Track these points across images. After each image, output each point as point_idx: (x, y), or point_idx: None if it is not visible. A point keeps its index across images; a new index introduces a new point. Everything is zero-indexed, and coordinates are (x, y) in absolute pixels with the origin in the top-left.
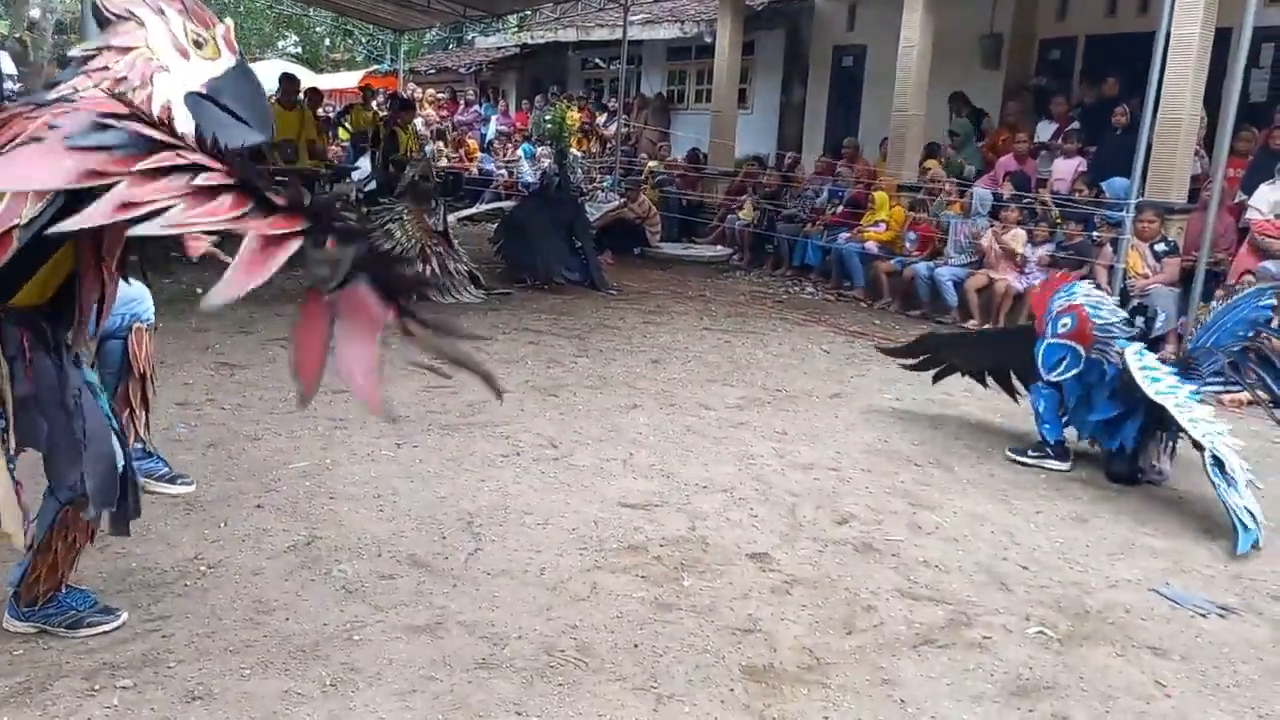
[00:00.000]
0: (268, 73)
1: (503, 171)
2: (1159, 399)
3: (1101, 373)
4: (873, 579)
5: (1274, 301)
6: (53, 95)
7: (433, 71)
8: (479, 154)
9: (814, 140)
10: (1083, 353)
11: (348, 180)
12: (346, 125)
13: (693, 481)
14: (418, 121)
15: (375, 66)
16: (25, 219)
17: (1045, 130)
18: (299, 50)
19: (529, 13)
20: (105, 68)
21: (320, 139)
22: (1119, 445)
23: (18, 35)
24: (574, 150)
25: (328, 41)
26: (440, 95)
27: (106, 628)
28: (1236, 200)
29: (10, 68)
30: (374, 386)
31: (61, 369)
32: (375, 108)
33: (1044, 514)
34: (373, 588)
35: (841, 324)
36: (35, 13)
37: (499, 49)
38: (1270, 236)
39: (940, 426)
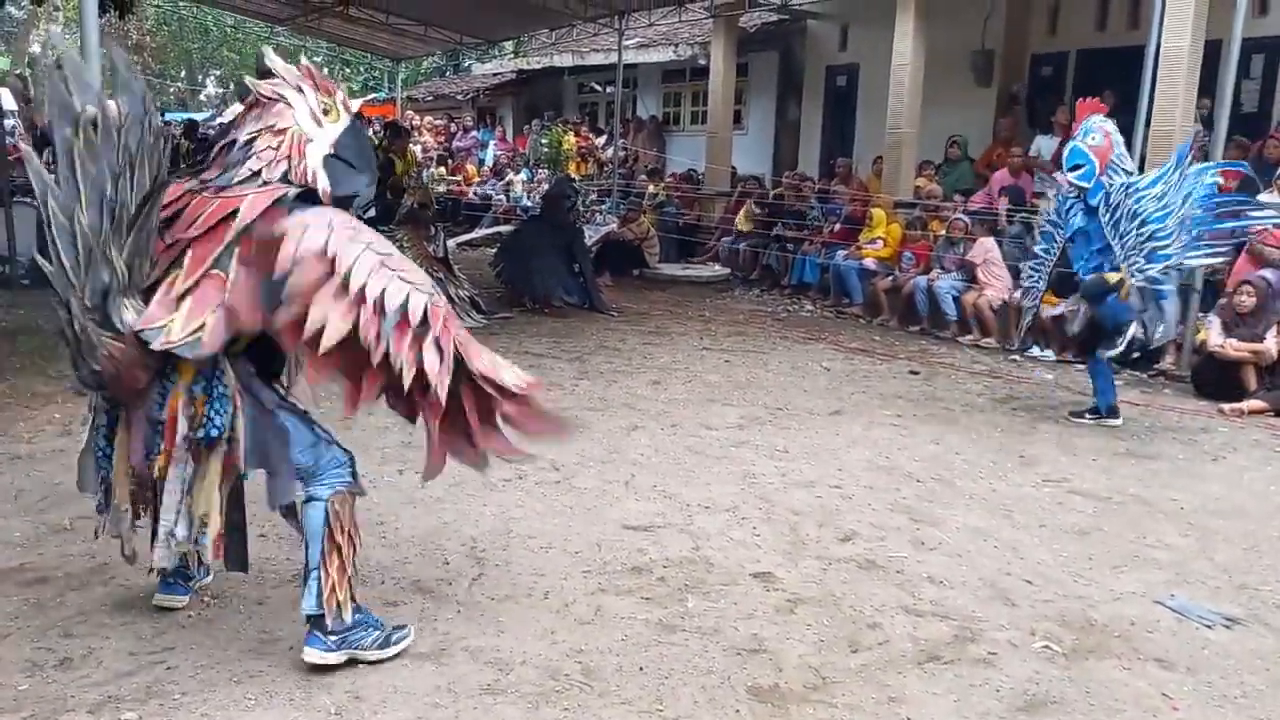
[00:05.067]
0: None
1: (501, 197)
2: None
3: (1106, 196)
4: (877, 596)
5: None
6: (237, 178)
7: (430, 99)
8: (476, 179)
9: (809, 160)
10: (1097, 169)
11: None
12: None
13: (695, 502)
14: (415, 148)
15: (373, 95)
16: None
17: (1046, 146)
18: None
19: (525, 39)
20: (269, 148)
21: None
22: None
23: (18, 72)
24: (572, 174)
25: (326, 71)
26: (437, 122)
27: (408, 641)
28: None
29: (11, 104)
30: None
31: (271, 392)
32: (371, 135)
33: (1047, 527)
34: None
35: (841, 341)
36: (36, 49)
37: (496, 75)
38: (1268, 245)
39: (941, 442)
